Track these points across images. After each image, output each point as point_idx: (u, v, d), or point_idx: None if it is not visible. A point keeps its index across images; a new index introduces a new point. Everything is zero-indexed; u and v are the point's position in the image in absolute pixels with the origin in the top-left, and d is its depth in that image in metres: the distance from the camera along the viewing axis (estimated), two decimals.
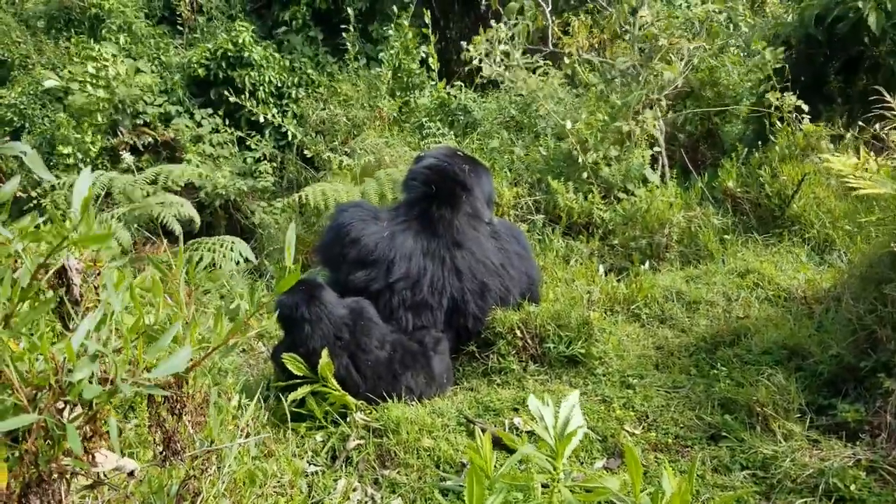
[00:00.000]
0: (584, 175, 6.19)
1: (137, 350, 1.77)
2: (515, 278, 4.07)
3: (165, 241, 6.16)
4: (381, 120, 8.57)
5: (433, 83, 9.22)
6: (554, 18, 7.19)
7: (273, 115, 9.13)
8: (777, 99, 6.22)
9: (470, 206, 4.10)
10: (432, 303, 3.85)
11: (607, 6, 7.61)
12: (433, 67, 9.18)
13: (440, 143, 7.78)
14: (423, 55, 9.37)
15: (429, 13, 9.09)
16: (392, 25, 9.71)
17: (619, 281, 4.82)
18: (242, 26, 10.27)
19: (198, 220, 7.55)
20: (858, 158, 4.31)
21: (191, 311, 2.11)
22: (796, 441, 3.00)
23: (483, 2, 7.95)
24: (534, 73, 7.97)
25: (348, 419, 3.40)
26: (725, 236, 5.41)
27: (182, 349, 1.82)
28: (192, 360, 1.85)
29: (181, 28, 11.33)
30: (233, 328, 1.86)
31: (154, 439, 2.04)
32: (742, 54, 8.16)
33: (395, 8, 9.71)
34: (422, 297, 3.83)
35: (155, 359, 1.78)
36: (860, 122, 5.95)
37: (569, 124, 6.38)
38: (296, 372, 3.40)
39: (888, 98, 3.77)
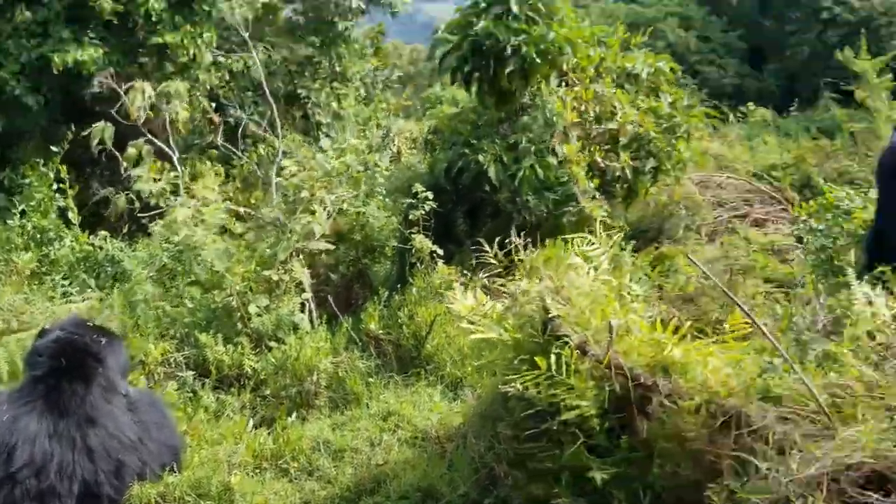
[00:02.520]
0: (239, 326, 6.23)
1: None
2: (154, 451, 3.96)
3: None
4: (18, 275, 8.00)
5: (73, 235, 8.81)
6: (184, 168, 7.26)
7: None
8: (419, 242, 6.72)
9: (104, 379, 3.97)
10: (61, 490, 3.62)
11: (240, 154, 7.86)
12: (74, 221, 8.79)
13: (84, 298, 7.42)
14: (60, 207, 8.96)
15: (65, 167, 8.78)
16: (32, 175, 9.21)
17: (269, 434, 4.85)
18: None
19: None
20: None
21: None
22: None
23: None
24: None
25: None
26: (370, 379, 5.66)
27: None
28: None
29: None
30: None
31: None
32: (386, 200, 8.77)
33: (35, 158, 9.26)
34: (49, 485, 3.59)
35: None
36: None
37: (226, 273, 6.41)
38: None
39: (487, 248, 4.27)
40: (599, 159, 7.28)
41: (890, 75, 12.05)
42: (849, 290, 3.50)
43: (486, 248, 4.16)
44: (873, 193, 5.96)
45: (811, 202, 7.04)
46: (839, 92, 16.52)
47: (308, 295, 6.72)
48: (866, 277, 3.76)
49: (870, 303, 3.42)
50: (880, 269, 3.75)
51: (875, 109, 11.33)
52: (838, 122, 13.32)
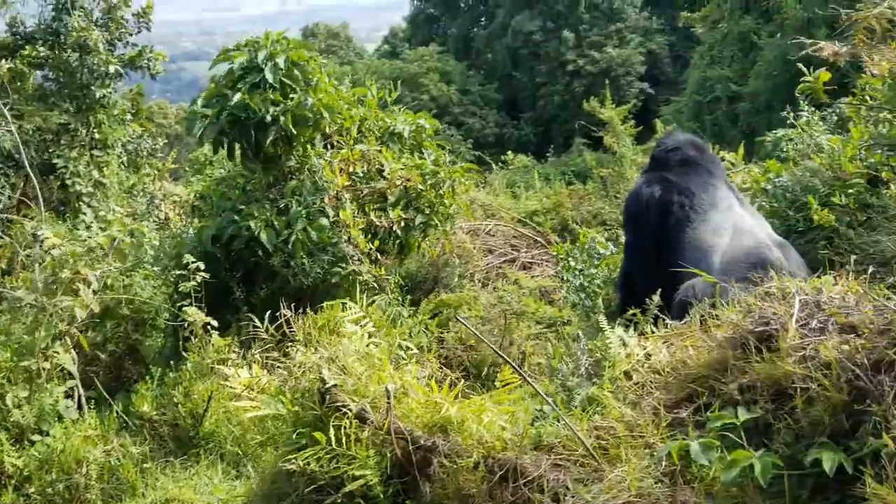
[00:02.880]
0: None
1: None
2: None
3: None
4: None
5: None
6: None
7: None
8: (192, 314, 6.45)
9: None
10: None
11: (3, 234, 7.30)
12: None
13: None
14: None
15: None
16: None
17: None
18: None
19: None
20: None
21: None
22: None
23: None
24: None
25: None
26: (145, 465, 5.36)
27: None
28: None
29: None
30: None
31: None
32: (155, 269, 8.37)
33: None
34: None
35: None
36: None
37: None
38: None
39: (259, 323, 4.21)
40: (374, 218, 7.38)
41: (633, 122, 13.22)
42: (604, 333, 3.75)
43: (258, 323, 4.09)
44: (622, 236, 6.46)
45: (568, 244, 7.52)
46: (590, 138, 17.90)
47: (75, 380, 6.27)
48: (619, 320, 4.05)
49: (624, 344, 3.68)
50: (631, 311, 4.04)
51: (621, 154, 12.35)
52: (589, 167, 14.40)
